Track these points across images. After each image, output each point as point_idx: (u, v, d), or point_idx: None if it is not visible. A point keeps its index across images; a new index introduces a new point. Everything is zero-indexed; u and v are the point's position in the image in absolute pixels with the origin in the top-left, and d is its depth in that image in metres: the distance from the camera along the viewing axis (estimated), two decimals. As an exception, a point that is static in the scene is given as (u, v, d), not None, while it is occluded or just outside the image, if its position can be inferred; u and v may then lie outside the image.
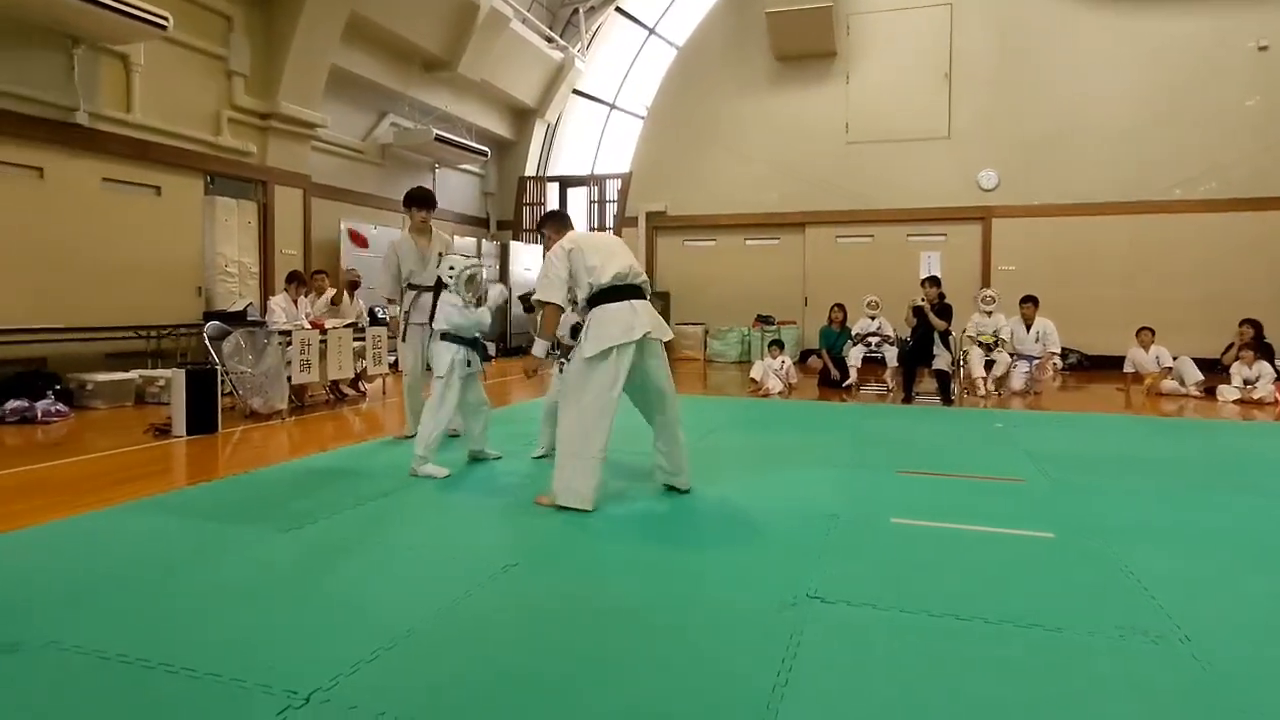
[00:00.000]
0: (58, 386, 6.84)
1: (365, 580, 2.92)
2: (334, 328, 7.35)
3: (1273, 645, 2.40)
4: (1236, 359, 8.50)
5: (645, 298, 3.98)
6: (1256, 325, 8.77)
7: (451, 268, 4.59)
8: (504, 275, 14.07)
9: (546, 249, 4.18)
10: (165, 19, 7.33)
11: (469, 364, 4.64)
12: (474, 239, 13.74)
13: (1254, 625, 2.55)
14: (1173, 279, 11.10)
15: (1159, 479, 4.66)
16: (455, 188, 14.13)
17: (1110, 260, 11.47)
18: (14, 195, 7.08)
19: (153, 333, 8.06)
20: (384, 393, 8.39)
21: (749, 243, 13.40)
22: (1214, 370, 8.85)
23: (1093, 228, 11.57)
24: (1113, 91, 11.52)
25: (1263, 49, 10.88)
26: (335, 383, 7.92)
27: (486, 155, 13.63)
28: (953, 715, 1.99)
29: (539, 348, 4.16)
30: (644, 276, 4.04)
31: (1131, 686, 2.14)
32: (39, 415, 6.38)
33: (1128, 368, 9.24)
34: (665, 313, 13.15)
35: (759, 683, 2.12)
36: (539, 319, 4.05)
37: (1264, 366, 8.30)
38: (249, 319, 7.68)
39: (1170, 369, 8.90)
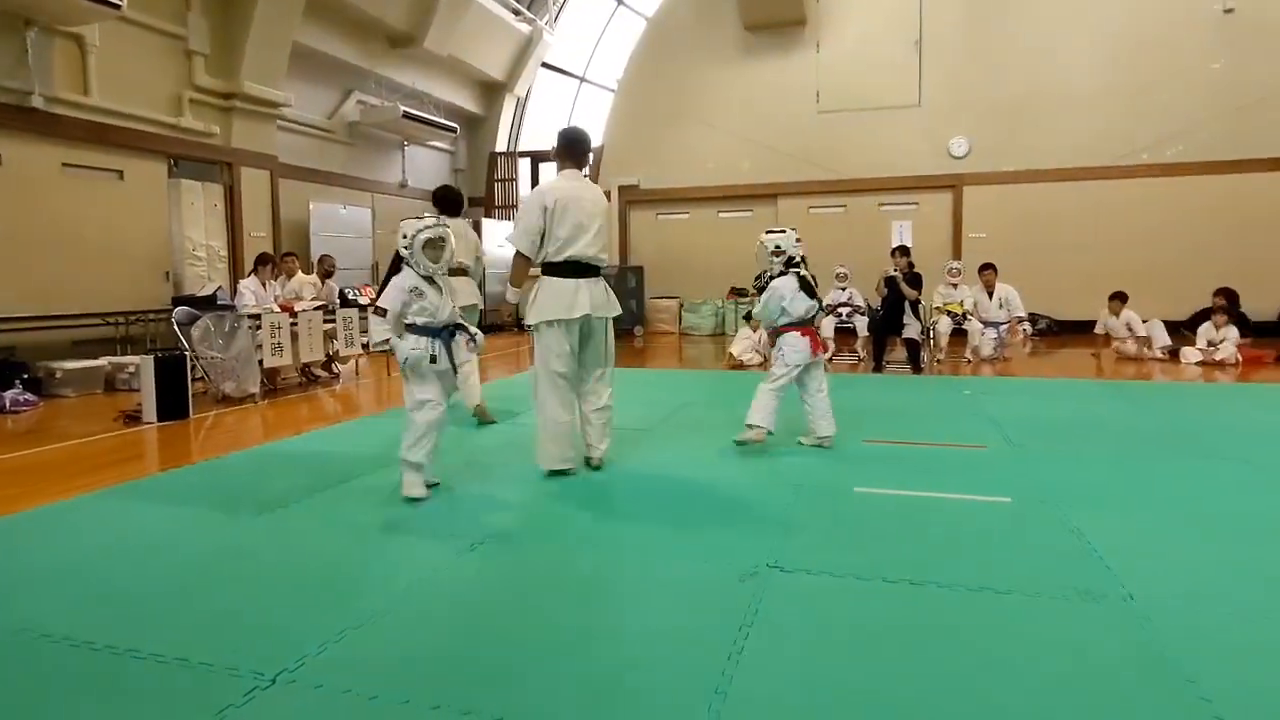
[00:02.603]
0: (25, 375, 6.77)
1: (336, 562, 2.96)
2: (303, 310, 7.31)
3: (1212, 605, 2.50)
4: (1208, 320, 8.62)
5: (598, 275, 4.06)
6: (1230, 294, 8.90)
7: (404, 235, 3.69)
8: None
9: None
10: (119, -2, 7.17)
11: (434, 359, 3.70)
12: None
13: (1196, 586, 2.65)
14: (1141, 242, 11.24)
15: (1117, 444, 4.79)
16: (425, 165, 13.98)
17: (1080, 225, 11.59)
18: (-30, 182, 6.95)
19: (120, 319, 7.98)
20: (356, 374, 8.38)
21: (722, 215, 13.39)
22: (1178, 333, 9.04)
23: (1063, 193, 11.68)
24: (1081, 56, 11.57)
25: (1228, 11, 10.94)
26: (308, 365, 7.89)
27: (455, 131, 13.48)
28: (901, 678, 2.07)
29: (511, 294, 4.16)
30: (603, 257, 4.08)
31: (1073, 646, 2.24)
32: (7, 405, 6.32)
33: (1099, 330, 9.43)
34: (639, 287, 13.16)
35: (716, 651, 2.20)
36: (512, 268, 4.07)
37: (1231, 331, 8.43)
38: (219, 303, 7.61)
39: (1143, 337, 9.00)
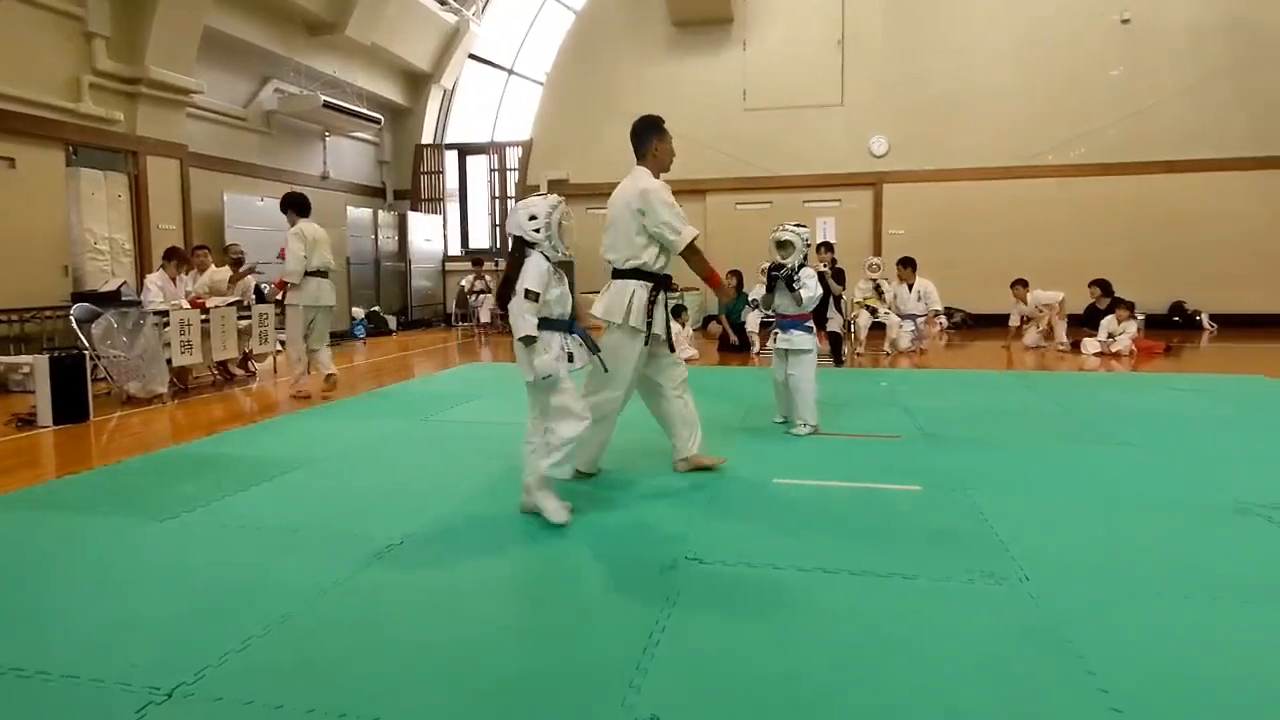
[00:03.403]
0: (-95, 378, 6.31)
1: (243, 568, 2.85)
2: (216, 307, 7.02)
3: (1099, 583, 2.65)
4: (1110, 314, 9.11)
5: (620, 277, 3.87)
6: (1104, 284, 9.42)
7: (533, 216, 3.24)
8: (403, 248, 13.69)
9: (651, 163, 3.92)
10: (6, -27, 6.73)
11: (572, 358, 3.28)
12: (370, 209, 13.29)
13: (1087, 565, 2.81)
14: (1047, 238, 11.79)
15: (1021, 431, 5.02)
16: (348, 156, 13.59)
17: (991, 222, 12.09)
18: None
19: (14, 317, 7.51)
20: (275, 372, 8.10)
21: (652, 210, 13.43)
22: (1076, 326, 9.54)
23: (974, 191, 12.16)
24: (992, 61, 12.05)
25: (1125, 22, 11.58)
26: (224, 363, 7.59)
27: (379, 122, 13.14)
28: (812, 663, 2.13)
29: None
30: (612, 257, 3.89)
31: (973, 626, 2.34)
32: (-117, 410, 5.88)
33: (1014, 321, 9.83)
34: (570, 282, 13.04)
35: (631, 645, 2.21)
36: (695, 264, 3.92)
37: (1130, 325, 8.93)
38: (123, 299, 7.25)
39: (1063, 300, 9.40)
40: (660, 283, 3.88)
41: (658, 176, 3.91)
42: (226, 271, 7.92)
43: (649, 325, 3.80)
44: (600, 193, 13.40)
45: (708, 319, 12.10)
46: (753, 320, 9.38)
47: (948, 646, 2.21)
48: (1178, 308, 11.48)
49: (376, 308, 12.79)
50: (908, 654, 2.17)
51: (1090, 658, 2.13)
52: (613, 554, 2.97)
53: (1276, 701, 1.93)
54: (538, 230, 3.22)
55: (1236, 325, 11.11)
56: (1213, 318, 11.23)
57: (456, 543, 3.13)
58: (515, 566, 2.89)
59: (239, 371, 7.87)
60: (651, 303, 3.81)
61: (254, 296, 7.94)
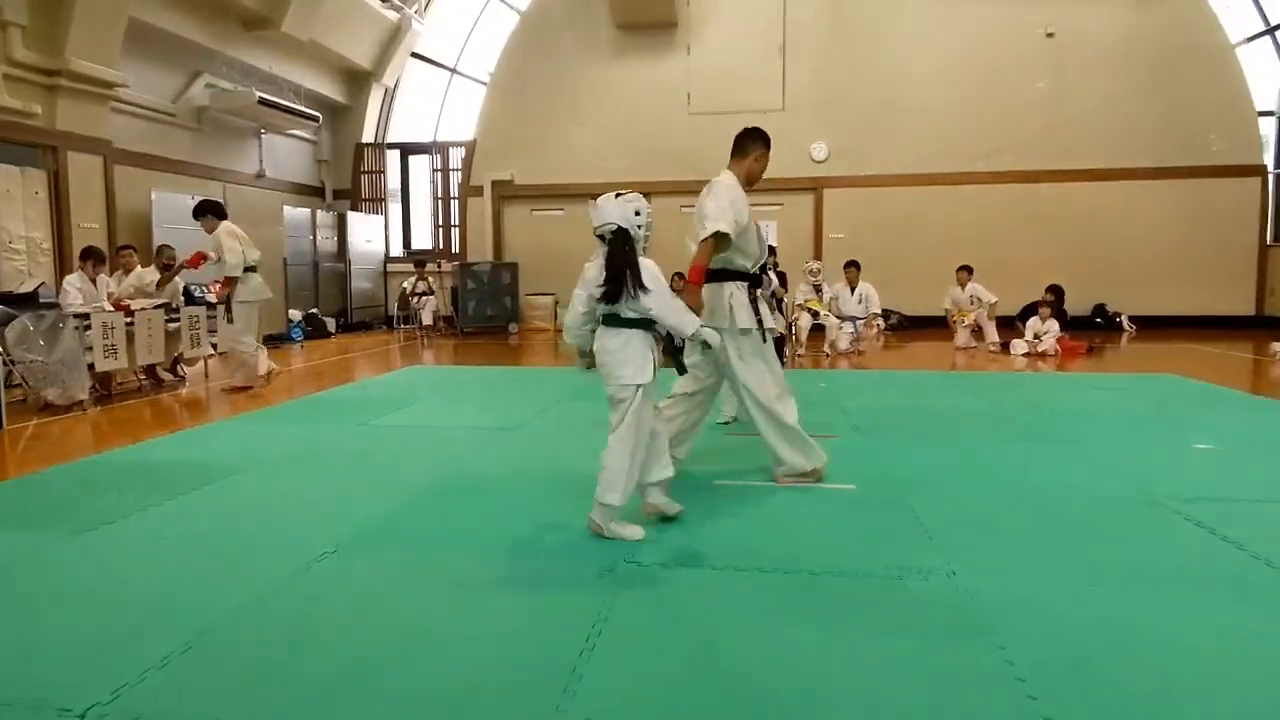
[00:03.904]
0: None
1: (167, 581, 2.76)
2: (141, 309, 6.76)
3: (1021, 575, 2.75)
4: (1035, 314, 9.52)
5: (713, 278, 3.78)
6: (1058, 290, 9.84)
7: (637, 213, 3.11)
8: (342, 248, 13.40)
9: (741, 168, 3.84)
10: (-90, -43, 6.37)
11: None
12: (308, 209, 12.97)
13: (1011, 558, 2.91)
14: (979, 243, 12.15)
15: (953, 430, 5.18)
16: (285, 155, 13.23)
17: (925, 227, 12.44)
18: None
19: (-80, 319, 7.09)
20: (206, 376, 7.84)
21: (597, 212, 13.43)
22: (1009, 326, 9.89)
23: (910, 197, 12.50)
24: (927, 70, 12.41)
25: (1050, 36, 12.06)
26: (152, 368, 7.32)
27: (318, 120, 12.84)
28: (743, 664, 2.16)
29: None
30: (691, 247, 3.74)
31: (900, 621, 2.41)
32: None
33: (946, 304, 10.12)
34: (514, 284, 13.01)
35: (567, 649, 2.21)
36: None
37: (1053, 324, 9.34)
38: (41, 300, 6.92)
39: (995, 303, 9.75)
40: (753, 280, 3.88)
41: (744, 186, 3.84)
42: (154, 273, 7.63)
43: (759, 322, 3.80)
44: (544, 194, 13.46)
45: (652, 321, 12.16)
46: (697, 322, 9.46)
47: (876, 643, 2.27)
48: (1099, 309, 12.01)
49: (315, 310, 12.49)
50: (837, 651, 2.22)
51: (1010, 648, 2.21)
52: (550, 558, 2.97)
53: (1181, 685, 2.04)
54: (639, 226, 3.12)
55: (1152, 326, 11.67)
56: (1131, 319, 11.78)
57: (391, 550, 3.08)
58: (449, 573, 2.85)
59: (168, 376, 7.60)
60: (752, 300, 3.80)
61: (183, 299, 7.68)
